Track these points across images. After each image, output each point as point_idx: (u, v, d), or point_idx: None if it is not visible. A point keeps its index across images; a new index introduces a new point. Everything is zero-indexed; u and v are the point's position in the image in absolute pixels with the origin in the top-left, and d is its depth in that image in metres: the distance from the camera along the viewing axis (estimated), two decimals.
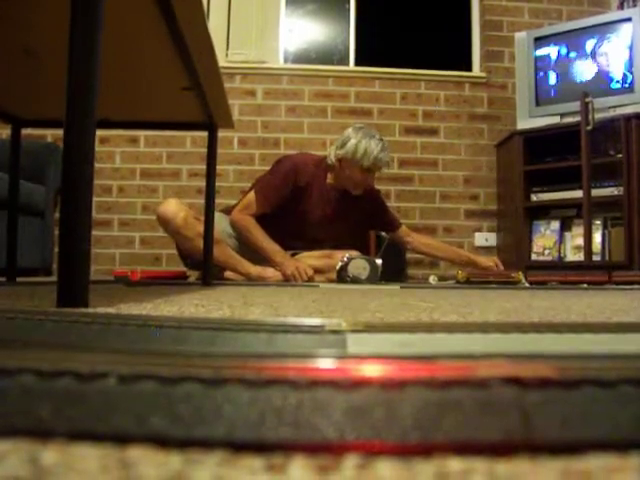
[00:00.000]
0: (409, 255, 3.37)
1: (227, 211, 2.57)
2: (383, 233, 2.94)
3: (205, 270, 1.89)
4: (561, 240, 3.34)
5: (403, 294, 1.49)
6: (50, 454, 0.21)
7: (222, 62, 3.16)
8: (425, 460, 0.21)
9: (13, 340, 0.43)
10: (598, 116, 2.95)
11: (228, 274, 2.43)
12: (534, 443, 0.22)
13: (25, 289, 1.41)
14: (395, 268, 3.13)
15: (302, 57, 3.84)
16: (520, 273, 2.39)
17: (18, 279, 1.95)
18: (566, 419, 0.23)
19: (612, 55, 3.14)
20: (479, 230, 3.69)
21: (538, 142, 3.27)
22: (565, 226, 3.36)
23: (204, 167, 1.90)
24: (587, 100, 2.93)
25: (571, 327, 0.46)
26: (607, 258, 3.11)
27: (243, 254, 2.42)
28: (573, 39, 3.25)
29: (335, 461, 0.21)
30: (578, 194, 3.03)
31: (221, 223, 2.40)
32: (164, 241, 3.19)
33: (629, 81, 3.07)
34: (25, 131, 2.02)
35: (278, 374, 0.25)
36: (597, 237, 3.14)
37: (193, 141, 3.58)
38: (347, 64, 3.81)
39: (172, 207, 2.36)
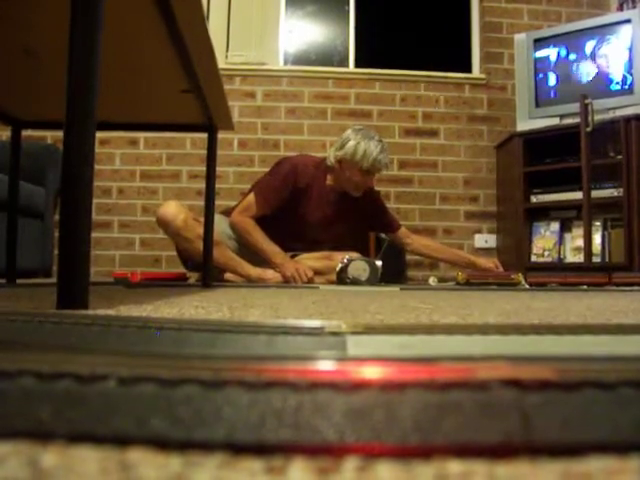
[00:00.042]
0: (409, 257, 3.37)
1: (227, 213, 2.57)
2: (383, 235, 2.94)
3: (205, 272, 1.89)
4: (561, 241, 3.34)
5: (403, 296, 1.49)
6: (50, 456, 0.21)
7: (222, 64, 3.16)
8: (425, 462, 0.21)
9: (13, 342, 0.43)
10: (598, 117, 2.95)
11: (228, 276, 2.43)
12: (534, 445, 0.22)
13: (25, 291, 1.40)
14: (395, 270, 3.13)
15: (302, 59, 3.84)
16: (520, 274, 2.39)
17: (18, 281, 1.95)
18: (566, 421, 0.23)
19: (611, 57, 3.14)
20: (479, 231, 3.69)
21: (538, 143, 3.27)
22: (565, 227, 3.36)
23: (204, 169, 1.90)
24: (587, 102, 2.94)
25: (571, 329, 0.46)
26: (607, 259, 3.10)
27: (243, 256, 2.42)
28: (573, 41, 3.26)
29: (335, 463, 0.21)
30: (578, 195, 3.03)
31: (221, 225, 2.40)
32: (164, 243, 3.18)
33: (629, 83, 3.07)
34: (25, 133, 2.02)
35: (278, 376, 0.25)
36: (597, 238, 3.14)
37: (193, 143, 3.58)
38: (347, 66, 3.81)
39: (172, 209, 2.36)
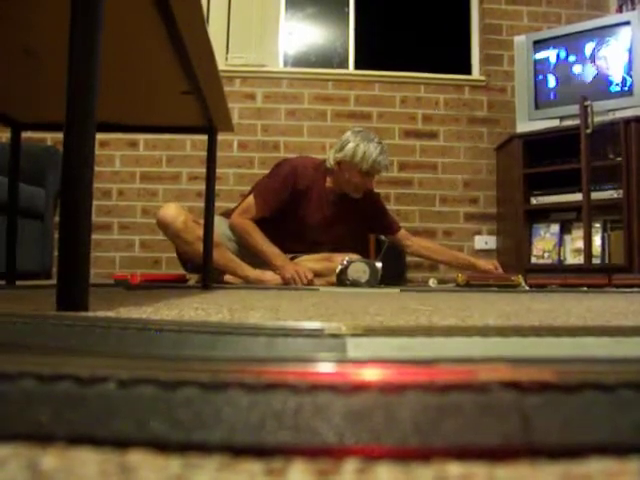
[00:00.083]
0: (409, 258, 3.37)
1: (227, 214, 2.57)
2: (383, 236, 2.94)
3: (205, 273, 1.89)
4: (561, 243, 3.34)
5: (403, 297, 1.49)
6: (50, 459, 0.21)
7: (222, 66, 3.16)
8: (424, 464, 0.21)
9: (13, 344, 0.43)
10: (597, 119, 2.95)
11: (228, 277, 2.44)
12: (534, 447, 0.22)
13: (25, 292, 1.41)
14: (395, 271, 3.13)
15: (302, 60, 3.85)
16: (520, 276, 2.39)
17: (18, 282, 1.95)
18: (566, 423, 0.23)
19: (611, 58, 3.14)
20: (479, 233, 3.69)
21: (537, 145, 3.27)
22: (565, 229, 3.36)
23: (204, 170, 1.90)
24: (586, 103, 2.94)
25: (571, 331, 0.46)
26: (607, 261, 3.11)
27: (243, 257, 2.42)
28: (572, 42, 3.26)
29: (335, 465, 0.21)
30: (578, 197, 3.03)
31: (221, 226, 2.40)
32: (164, 244, 3.18)
33: (628, 84, 3.07)
34: (25, 134, 2.02)
35: (278, 378, 0.25)
36: (597, 240, 3.14)
37: (193, 144, 3.58)
38: (347, 67, 3.81)
39: (172, 211, 2.36)
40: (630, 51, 3.07)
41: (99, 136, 1.00)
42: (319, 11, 3.90)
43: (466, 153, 3.71)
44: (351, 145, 2.45)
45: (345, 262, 2.32)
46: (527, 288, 2.35)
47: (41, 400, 0.24)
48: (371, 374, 0.27)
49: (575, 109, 3.00)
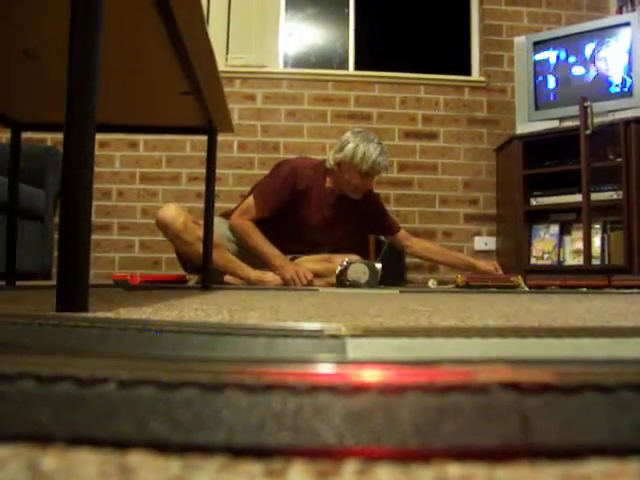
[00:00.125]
0: (408, 259, 3.37)
1: (226, 215, 2.58)
2: (382, 237, 2.94)
3: (204, 274, 1.89)
4: (560, 244, 3.34)
5: (402, 298, 1.49)
6: (50, 459, 0.21)
7: (222, 66, 3.16)
8: (424, 465, 0.21)
9: (13, 345, 0.43)
10: (597, 120, 2.95)
11: (227, 278, 2.44)
12: (533, 448, 0.22)
13: (24, 293, 1.41)
14: (394, 272, 3.13)
15: (302, 61, 3.85)
16: (519, 277, 2.40)
17: (17, 283, 1.95)
18: (565, 424, 0.23)
19: (611, 59, 3.15)
20: (478, 234, 3.69)
21: (537, 146, 3.28)
22: (564, 230, 3.36)
23: (204, 171, 1.90)
24: (586, 104, 2.94)
25: (570, 332, 0.46)
26: (606, 262, 3.11)
27: (242, 258, 2.42)
28: (572, 43, 3.26)
29: (335, 466, 0.21)
30: (577, 198, 3.03)
31: (220, 227, 2.40)
32: (164, 245, 3.18)
33: (628, 85, 3.07)
34: (25, 135, 2.02)
35: (277, 379, 0.25)
36: (596, 241, 3.14)
37: (193, 145, 3.58)
38: (347, 68, 3.82)
39: (171, 212, 2.36)
40: (630, 52, 3.07)
41: (99, 137, 1.01)
42: (319, 12, 3.90)
43: (466, 154, 3.71)
44: (351, 146, 2.45)
45: (345, 263, 2.32)
46: (527, 289, 2.35)
47: (41, 401, 0.24)
48: (371, 375, 0.27)
49: (575, 110, 3.00)
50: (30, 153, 2.56)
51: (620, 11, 3.65)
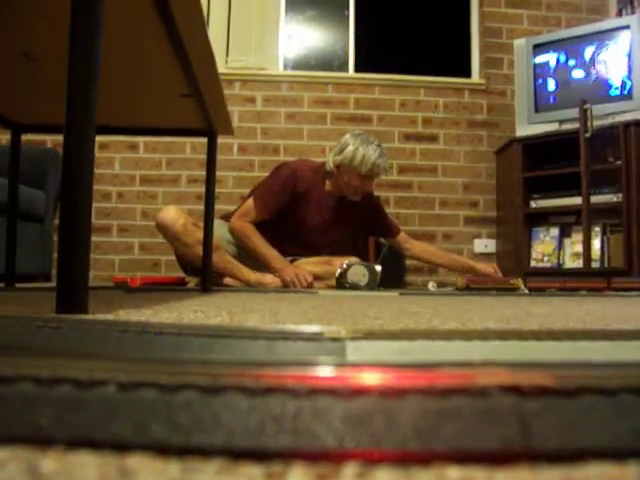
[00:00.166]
0: (408, 262, 3.37)
1: (226, 217, 2.58)
2: (382, 239, 2.94)
3: (204, 276, 1.89)
4: (560, 247, 3.34)
5: (402, 301, 1.49)
6: (49, 462, 0.21)
7: (222, 69, 3.16)
8: (424, 468, 0.21)
9: (12, 347, 0.43)
10: (597, 123, 2.95)
11: (227, 280, 2.43)
12: (533, 451, 0.22)
13: (24, 295, 1.40)
14: (394, 275, 3.13)
15: (302, 64, 3.85)
16: (519, 280, 2.40)
17: (17, 285, 1.95)
18: (565, 427, 0.23)
19: (611, 62, 3.15)
20: (478, 237, 3.69)
21: (537, 149, 3.28)
22: (564, 233, 3.36)
23: (203, 173, 1.90)
24: (586, 107, 2.94)
25: (570, 335, 0.46)
26: (606, 265, 3.11)
27: (242, 260, 2.42)
28: (572, 46, 3.26)
29: (334, 469, 0.21)
30: (577, 201, 3.03)
31: (220, 229, 2.40)
32: (163, 247, 3.18)
33: (628, 88, 3.08)
34: (25, 137, 2.02)
35: (277, 382, 0.25)
36: (596, 244, 3.14)
37: (193, 147, 3.58)
38: (346, 71, 3.82)
39: (171, 214, 2.36)
40: (629, 55, 3.07)
41: (99, 138, 1.01)
42: (319, 14, 3.90)
43: (466, 156, 3.71)
44: (350, 148, 2.45)
45: (344, 265, 2.32)
46: (526, 292, 2.35)
47: (40, 403, 0.24)
48: (371, 378, 0.27)
49: (575, 113, 3.01)
50: (30, 155, 2.56)
51: (620, 14, 3.66)
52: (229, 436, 0.22)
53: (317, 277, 2.42)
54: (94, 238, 3.25)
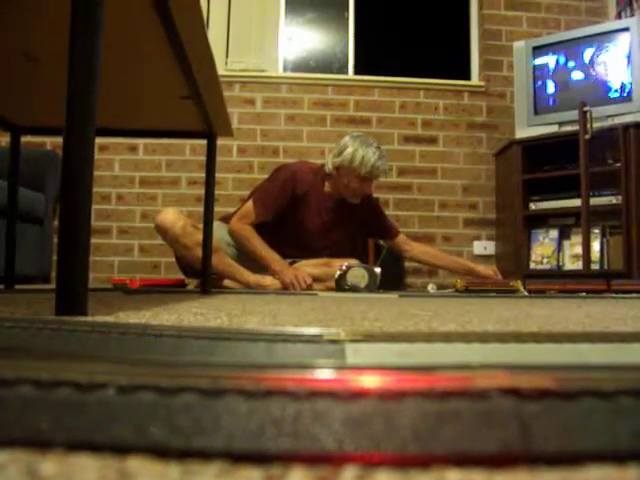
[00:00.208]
0: (408, 264, 3.37)
1: (226, 219, 2.57)
2: (382, 241, 2.94)
3: (204, 278, 1.89)
4: (560, 249, 3.34)
5: (402, 303, 1.49)
6: (49, 465, 0.21)
7: (221, 70, 3.17)
8: (424, 471, 0.21)
9: (11, 349, 0.43)
10: (596, 125, 2.96)
11: (226, 282, 2.43)
12: (532, 454, 0.22)
13: (23, 297, 1.40)
14: (394, 277, 3.13)
15: (301, 66, 3.85)
16: (519, 282, 2.39)
17: (16, 286, 1.95)
18: (565, 430, 0.23)
19: (610, 64, 3.15)
20: (478, 239, 3.69)
21: (536, 151, 3.28)
22: (564, 235, 3.36)
23: (203, 175, 1.90)
24: (585, 109, 2.94)
25: (570, 337, 0.46)
26: (606, 267, 3.11)
27: (242, 262, 2.42)
28: (571, 48, 3.27)
29: (334, 472, 0.21)
30: (577, 203, 3.03)
31: (219, 231, 2.40)
32: (163, 249, 3.18)
33: (627, 90, 3.08)
34: (24, 139, 2.02)
35: (277, 385, 0.25)
36: (596, 246, 3.14)
37: (192, 149, 3.58)
38: (346, 73, 3.82)
39: (170, 216, 2.36)
40: (629, 57, 3.08)
41: (98, 140, 1.01)
42: (319, 16, 3.90)
43: (465, 159, 3.72)
44: (350, 150, 2.45)
45: (344, 267, 2.32)
46: (526, 294, 2.35)
47: (40, 406, 0.24)
48: (370, 380, 0.27)
49: (574, 115, 3.01)
50: (30, 157, 2.56)
51: (619, 16, 3.66)
52: (229, 439, 0.22)
53: (316, 279, 2.42)
54: (94, 240, 3.24)
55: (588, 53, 3.21)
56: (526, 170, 3.30)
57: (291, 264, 2.48)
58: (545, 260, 3.35)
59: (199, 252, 1.94)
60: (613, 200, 3.03)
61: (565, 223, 3.35)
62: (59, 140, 0.79)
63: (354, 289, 2.28)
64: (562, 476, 0.21)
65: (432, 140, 3.71)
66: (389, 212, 3.28)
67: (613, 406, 0.24)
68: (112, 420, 0.23)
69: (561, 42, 3.31)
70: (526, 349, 0.44)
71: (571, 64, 3.26)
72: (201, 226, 1.94)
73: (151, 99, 1.65)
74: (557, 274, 3.22)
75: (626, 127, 2.98)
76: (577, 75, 3.25)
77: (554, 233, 3.37)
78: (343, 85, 3.71)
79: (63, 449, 0.22)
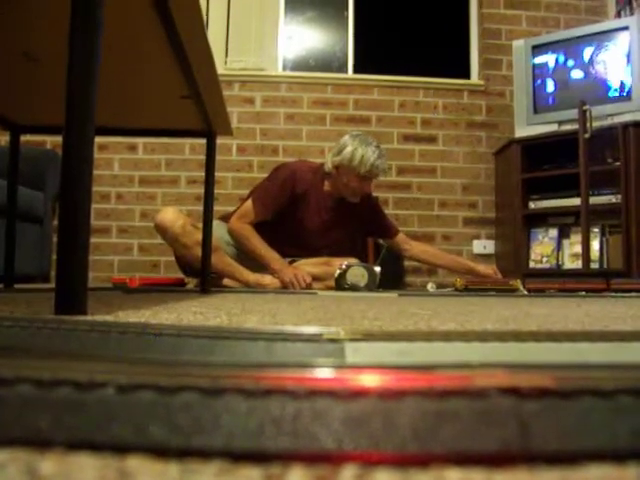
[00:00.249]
0: (407, 263, 3.37)
1: (225, 218, 2.57)
2: (381, 240, 2.94)
3: (203, 277, 1.89)
4: (559, 248, 3.34)
5: (401, 302, 1.49)
6: (48, 464, 0.21)
7: (221, 70, 3.16)
8: (423, 470, 0.21)
9: (11, 348, 0.43)
10: (596, 124, 2.95)
11: (226, 281, 2.43)
12: (532, 453, 0.22)
13: (23, 296, 1.40)
14: (393, 276, 3.13)
15: (301, 65, 3.85)
16: (518, 281, 2.40)
17: (16, 286, 1.95)
18: (564, 429, 0.23)
19: (609, 63, 3.15)
20: (477, 238, 3.69)
21: (536, 150, 3.28)
22: (563, 234, 3.36)
23: (203, 174, 1.90)
24: (585, 108, 2.94)
25: (569, 336, 0.46)
26: (605, 266, 3.11)
27: (241, 262, 2.42)
28: (571, 47, 3.27)
29: (333, 471, 0.21)
30: (576, 202, 3.03)
31: (219, 231, 2.40)
32: (162, 248, 3.18)
33: (626, 89, 3.08)
34: (24, 137, 2.02)
35: (276, 384, 0.25)
36: (595, 245, 3.14)
37: (192, 148, 3.58)
38: (346, 72, 3.82)
39: (170, 215, 2.36)
40: (628, 56, 3.08)
41: (98, 139, 1.01)
42: (318, 15, 3.90)
43: (465, 157, 3.72)
44: (349, 149, 2.45)
45: (343, 266, 2.32)
46: (525, 293, 2.35)
47: (39, 405, 0.24)
48: (370, 380, 0.27)
49: (574, 114, 3.01)
50: (29, 156, 2.56)
51: (618, 15, 3.66)
52: (228, 438, 0.22)
53: (316, 278, 2.42)
54: (93, 239, 3.24)
55: (588, 52, 3.21)
56: (525, 169, 3.30)
57: (291, 263, 2.48)
58: (544, 259, 3.35)
59: (198, 251, 1.94)
60: (612, 199, 3.03)
61: (564, 222, 3.35)
62: (59, 139, 0.79)
63: (354, 288, 2.28)
64: (561, 475, 0.21)
65: (431, 139, 3.71)
66: (388, 211, 3.28)
67: (612, 405, 0.24)
68: (112, 419, 0.23)
69: (561, 41, 3.31)
70: (525, 348, 0.44)
71: (570, 63, 3.26)
72: (200, 225, 1.93)
73: (151, 98, 1.65)
74: (556, 273, 3.22)
75: (625, 126, 2.98)
76: (576, 74, 3.25)
77: (553, 232, 3.37)
78: (342, 84, 3.71)
79: (63, 448, 0.22)
